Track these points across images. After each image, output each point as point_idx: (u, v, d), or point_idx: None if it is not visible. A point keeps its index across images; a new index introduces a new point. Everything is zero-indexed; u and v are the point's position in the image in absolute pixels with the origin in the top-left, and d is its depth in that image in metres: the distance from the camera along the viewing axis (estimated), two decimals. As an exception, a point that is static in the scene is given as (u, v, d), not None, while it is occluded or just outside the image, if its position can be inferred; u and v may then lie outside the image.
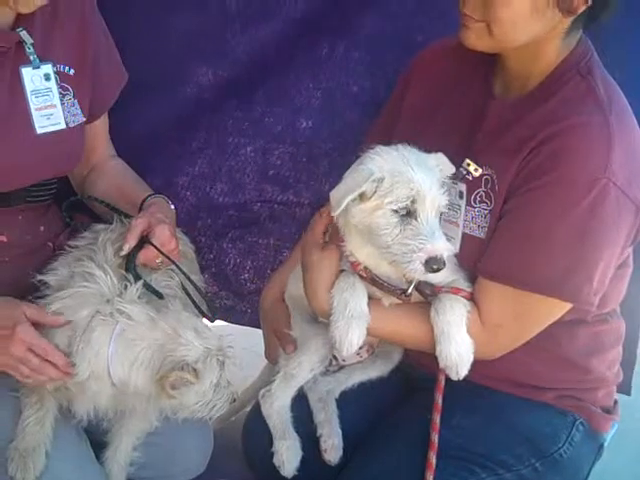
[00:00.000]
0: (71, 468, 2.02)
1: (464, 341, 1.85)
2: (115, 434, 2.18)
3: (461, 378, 1.85)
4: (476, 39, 1.89)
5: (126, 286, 1.96)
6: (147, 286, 2.01)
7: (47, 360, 1.90)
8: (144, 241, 2.06)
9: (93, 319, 1.91)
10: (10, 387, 2.01)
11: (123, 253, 2.03)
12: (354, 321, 1.85)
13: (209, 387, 1.90)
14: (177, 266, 2.12)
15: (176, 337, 1.88)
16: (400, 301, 1.91)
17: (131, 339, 1.88)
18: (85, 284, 1.95)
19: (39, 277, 2.04)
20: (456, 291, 1.87)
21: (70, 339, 1.92)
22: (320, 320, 2.06)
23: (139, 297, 1.96)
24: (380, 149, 1.85)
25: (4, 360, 1.91)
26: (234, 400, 2.00)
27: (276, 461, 2.17)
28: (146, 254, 2.06)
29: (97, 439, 2.17)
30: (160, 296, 2.02)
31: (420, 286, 1.87)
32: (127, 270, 2.02)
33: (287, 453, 2.17)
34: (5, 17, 2.03)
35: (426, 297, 1.88)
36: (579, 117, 1.83)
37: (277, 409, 2.18)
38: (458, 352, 1.84)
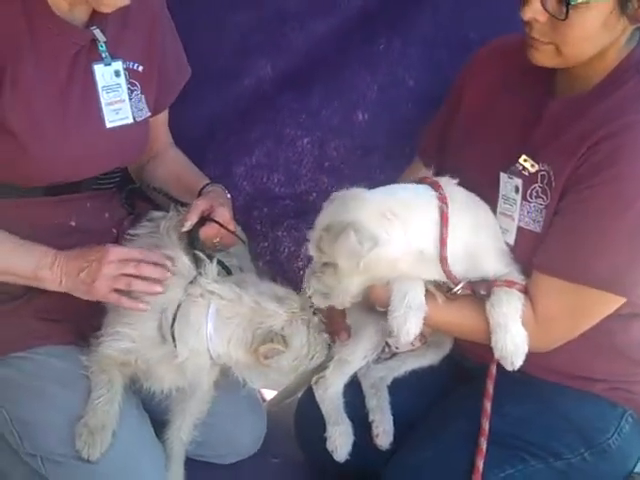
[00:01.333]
0: (134, 445, 2.08)
1: (519, 332, 1.88)
2: (177, 413, 2.25)
3: (516, 369, 1.88)
4: (545, 59, 1.92)
5: (202, 265, 2.04)
6: (218, 261, 2.09)
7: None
8: (205, 219, 2.13)
9: (185, 301, 2.00)
10: (80, 366, 2.09)
11: (185, 229, 2.10)
12: (412, 311, 1.88)
13: (300, 347, 1.98)
14: (240, 239, 2.21)
15: (260, 309, 1.97)
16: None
17: (226, 317, 1.99)
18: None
19: None
20: (510, 284, 1.90)
21: (160, 322, 2.02)
22: (374, 308, 2.10)
23: (218, 273, 2.05)
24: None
25: (103, 285, 1.99)
26: (329, 347, 2.07)
27: (329, 446, 2.23)
28: (207, 231, 2.13)
29: (155, 418, 2.24)
30: (229, 272, 2.10)
31: (475, 286, 1.92)
32: (192, 248, 2.09)
33: (340, 438, 2.23)
34: (81, 15, 2.11)
35: (481, 296, 1.92)
36: (637, 115, 1.85)
37: (330, 395, 2.23)
38: (513, 343, 1.87)
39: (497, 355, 1.90)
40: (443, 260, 1.89)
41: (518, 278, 1.93)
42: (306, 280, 1.97)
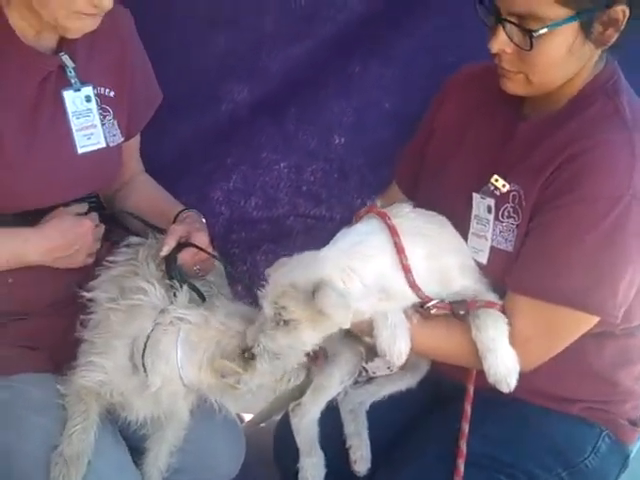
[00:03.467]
0: (111, 472, 2.06)
1: (509, 354, 1.88)
2: (154, 441, 2.23)
3: (512, 390, 1.88)
4: (517, 88, 1.95)
5: (175, 294, 2.04)
6: (192, 287, 2.09)
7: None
8: (182, 245, 2.14)
9: (154, 331, 2.00)
10: (56, 394, 2.07)
11: (163, 254, 2.11)
12: (398, 329, 1.89)
13: (269, 367, 1.94)
14: (218, 259, 2.22)
15: (227, 330, 1.96)
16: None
17: (195, 342, 1.98)
18: (136, 296, 2.04)
19: (88, 295, 2.13)
20: (491, 305, 1.91)
21: (132, 353, 2.02)
22: (349, 333, 2.08)
23: (188, 300, 2.05)
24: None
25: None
26: (308, 371, 2.06)
27: (301, 477, 2.22)
28: (185, 255, 2.13)
29: (133, 445, 2.22)
30: (203, 298, 2.10)
31: (454, 307, 1.93)
32: (169, 273, 2.10)
33: (312, 470, 2.22)
34: (49, 41, 2.11)
35: (460, 317, 1.93)
36: (603, 135, 1.87)
37: (306, 424, 2.22)
38: (506, 366, 1.87)
39: (491, 380, 1.89)
40: (413, 286, 1.90)
41: (491, 297, 1.94)
42: (252, 339, 1.90)
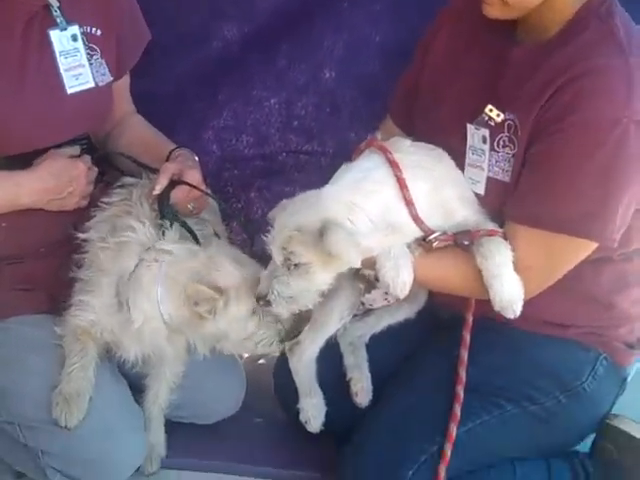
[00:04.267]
0: (112, 410, 2.10)
1: (515, 279, 1.88)
2: (153, 379, 2.26)
3: (517, 316, 1.89)
4: (495, 11, 1.93)
5: (164, 232, 2.04)
6: (185, 226, 2.09)
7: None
8: (175, 183, 2.13)
9: (138, 267, 1.99)
10: (53, 336, 2.09)
11: (155, 192, 2.10)
12: (400, 260, 1.88)
13: (246, 316, 1.95)
14: (212, 196, 2.22)
15: (211, 264, 1.94)
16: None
17: (174, 275, 1.96)
18: (125, 234, 2.03)
19: (82, 236, 2.13)
20: (493, 233, 1.91)
21: (118, 288, 2.02)
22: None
23: (178, 239, 2.03)
24: None
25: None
26: (283, 339, 2.03)
27: (302, 417, 2.25)
28: (178, 193, 2.12)
29: (133, 383, 2.25)
30: (196, 239, 2.09)
31: (457, 237, 1.92)
32: (161, 212, 2.09)
33: (313, 410, 2.25)
34: None
35: (464, 247, 1.92)
36: (599, 59, 1.85)
37: (305, 362, 2.23)
38: (511, 291, 1.88)
39: (497, 307, 1.89)
40: (416, 219, 1.90)
41: (491, 226, 1.94)
42: (264, 287, 1.89)
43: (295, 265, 1.85)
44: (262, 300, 1.89)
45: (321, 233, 1.79)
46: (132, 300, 1.98)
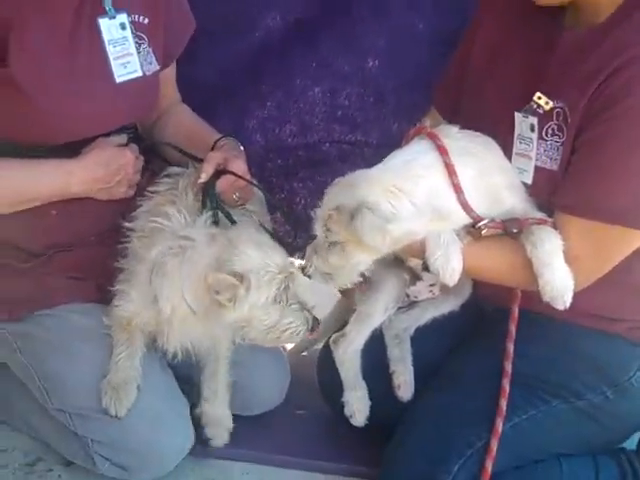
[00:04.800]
0: (160, 399, 2.12)
1: (565, 269, 1.86)
2: (208, 360, 2.25)
3: (567, 307, 1.86)
4: None
5: (195, 220, 2.02)
6: (227, 215, 2.08)
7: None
8: (221, 172, 2.13)
9: (165, 254, 1.97)
10: (102, 325, 2.11)
11: (201, 181, 2.10)
12: (451, 247, 1.87)
13: (267, 304, 1.89)
14: (256, 186, 2.21)
15: (232, 248, 1.89)
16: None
17: (194, 260, 1.92)
18: (157, 219, 2.03)
19: (128, 225, 2.13)
20: (543, 222, 1.88)
21: (150, 279, 2.00)
22: (393, 260, 2.11)
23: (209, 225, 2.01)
24: None
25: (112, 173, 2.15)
26: (313, 327, 1.98)
27: (347, 411, 2.25)
28: (223, 183, 2.13)
29: (179, 373, 2.26)
30: (232, 221, 2.08)
31: (506, 224, 1.89)
32: (204, 202, 2.08)
33: (357, 404, 2.24)
34: None
35: (513, 234, 1.90)
36: None
37: (350, 355, 2.22)
38: (562, 281, 1.85)
39: (547, 297, 1.86)
40: (465, 206, 1.88)
41: (544, 216, 1.91)
42: (307, 259, 1.92)
43: (332, 243, 1.86)
44: (304, 272, 1.92)
45: (352, 215, 1.80)
46: (159, 289, 1.96)
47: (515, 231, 1.89)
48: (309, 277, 1.91)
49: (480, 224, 1.89)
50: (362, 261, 1.89)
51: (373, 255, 1.89)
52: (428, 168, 1.88)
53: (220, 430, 2.28)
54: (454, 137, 1.94)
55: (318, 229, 1.89)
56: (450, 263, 1.86)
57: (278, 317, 1.94)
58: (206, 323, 1.99)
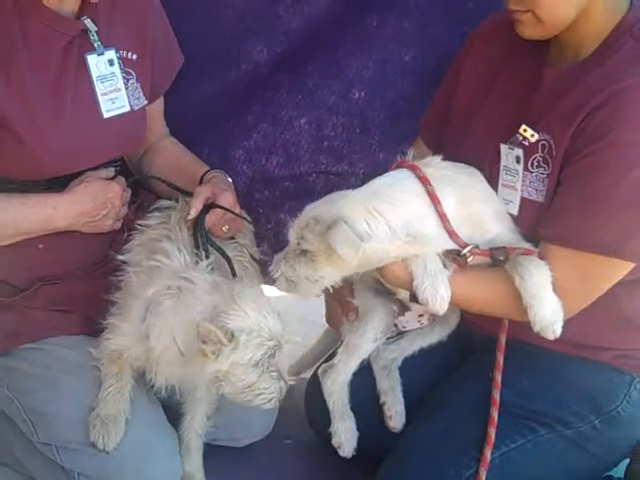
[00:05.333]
0: (148, 431, 2.10)
1: (554, 300, 1.88)
2: (189, 406, 2.25)
3: (557, 337, 1.88)
4: (529, 30, 1.95)
5: (197, 262, 2.02)
6: (221, 252, 2.08)
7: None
8: (209, 207, 2.14)
9: (162, 294, 1.96)
10: (89, 358, 2.10)
11: (190, 217, 2.11)
12: (438, 277, 1.88)
13: (248, 365, 1.88)
14: (244, 218, 2.21)
15: (232, 303, 1.88)
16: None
17: (189, 304, 1.91)
18: (158, 258, 2.03)
19: (121, 258, 2.13)
20: (530, 252, 1.90)
21: (144, 312, 1.99)
22: (381, 290, 2.13)
23: (210, 271, 2.01)
24: None
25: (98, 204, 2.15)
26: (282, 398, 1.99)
27: (335, 442, 2.24)
28: (212, 217, 2.13)
29: (166, 405, 2.24)
30: (231, 265, 2.09)
31: (493, 252, 1.91)
32: (195, 237, 2.08)
33: (345, 434, 2.24)
34: (70, 6, 2.11)
35: (499, 262, 1.92)
36: (632, 79, 1.85)
37: (339, 386, 2.22)
38: (552, 311, 1.87)
39: (537, 328, 1.88)
40: (452, 234, 1.90)
41: (531, 246, 1.93)
42: (275, 264, 1.94)
43: (303, 251, 1.89)
44: (269, 278, 1.95)
45: (329, 226, 1.83)
46: (152, 328, 1.96)
47: (502, 259, 1.91)
48: (273, 282, 1.93)
49: (465, 250, 1.91)
50: (328, 275, 1.91)
51: (340, 271, 1.91)
52: (408, 193, 1.91)
53: None
54: (436, 166, 1.98)
55: (292, 236, 1.91)
56: (439, 292, 1.88)
57: (255, 380, 1.93)
58: (190, 367, 1.98)
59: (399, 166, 2.00)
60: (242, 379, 1.92)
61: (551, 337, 1.88)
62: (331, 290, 1.98)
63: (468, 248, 1.91)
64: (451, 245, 1.91)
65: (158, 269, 2.03)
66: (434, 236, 1.90)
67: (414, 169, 1.95)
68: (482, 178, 2.02)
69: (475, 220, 1.94)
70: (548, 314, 1.87)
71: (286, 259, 1.92)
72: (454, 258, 1.93)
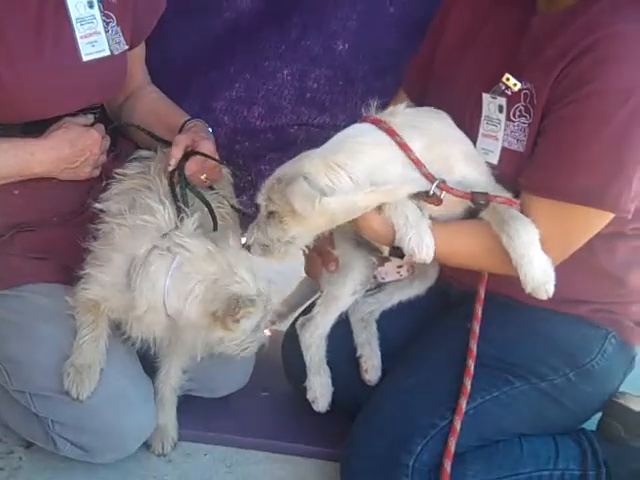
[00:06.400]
0: (123, 380, 2.10)
1: (544, 258, 1.86)
2: (164, 359, 2.25)
3: (550, 296, 1.87)
4: None
5: (182, 219, 2.01)
6: (201, 198, 2.07)
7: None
8: (189, 154, 2.12)
9: (150, 254, 1.96)
10: (65, 306, 2.08)
11: (170, 168, 2.09)
12: (421, 225, 1.88)
13: (247, 329, 1.94)
14: (225, 165, 2.20)
15: (231, 273, 1.91)
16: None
17: (187, 272, 1.92)
18: (144, 217, 2.01)
19: (99, 206, 2.11)
20: (511, 202, 1.89)
21: (129, 271, 1.98)
22: (362, 242, 2.11)
23: (195, 228, 2.00)
24: None
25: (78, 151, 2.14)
26: (263, 346, 2.05)
27: (309, 396, 2.25)
28: (192, 165, 2.11)
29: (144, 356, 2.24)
30: (213, 214, 2.08)
31: (474, 196, 1.89)
32: (173, 185, 2.07)
33: (320, 389, 2.24)
34: None
35: (479, 206, 1.91)
36: (615, 26, 1.83)
37: (317, 338, 2.22)
38: (543, 271, 1.86)
39: (529, 288, 1.86)
40: (417, 163, 1.88)
41: (510, 196, 1.92)
42: (249, 231, 1.94)
43: (271, 213, 1.88)
44: (244, 244, 1.95)
45: (288, 184, 1.83)
46: (138, 286, 1.95)
47: (482, 203, 1.90)
48: (248, 248, 1.93)
49: (433, 186, 1.88)
50: (299, 235, 1.91)
51: (309, 229, 1.91)
52: (366, 145, 1.89)
53: (162, 440, 2.27)
54: (400, 113, 1.96)
55: (260, 199, 1.91)
56: (424, 241, 1.88)
57: (245, 337, 1.97)
58: (175, 328, 2.01)
59: (363, 121, 1.98)
60: (235, 340, 1.95)
61: (544, 297, 1.87)
62: (306, 251, 1.99)
63: (436, 182, 1.88)
64: (418, 186, 1.89)
65: (143, 228, 2.01)
66: (399, 180, 1.89)
67: (377, 123, 1.94)
68: (450, 121, 2.00)
69: (442, 161, 1.92)
70: (539, 274, 1.85)
71: (257, 224, 1.92)
72: (427, 199, 1.90)
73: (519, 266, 1.86)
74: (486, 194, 1.90)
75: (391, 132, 1.90)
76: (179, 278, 1.93)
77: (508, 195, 1.93)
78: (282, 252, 1.93)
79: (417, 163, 1.88)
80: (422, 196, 1.90)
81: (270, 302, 1.98)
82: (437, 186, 1.88)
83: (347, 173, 1.84)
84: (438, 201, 1.90)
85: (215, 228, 2.09)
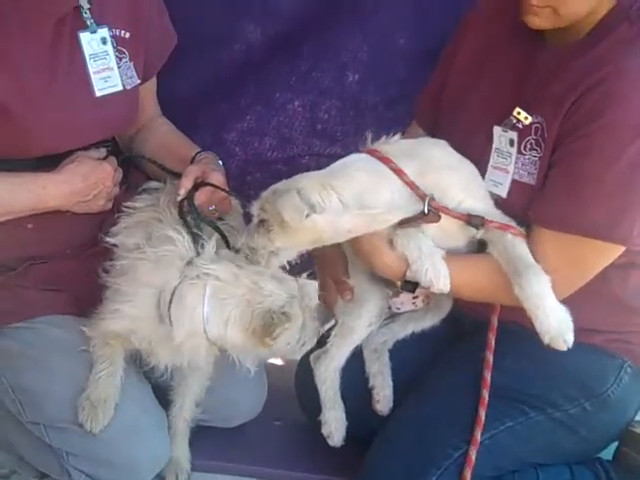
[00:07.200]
0: (137, 411, 2.10)
1: (559, 307, 1.86)
2: (179, 392, 2.26)
3: (570, 346, 1.85)
4: (544, 22, 1.91)
5: (202, 244, 2.01)
6: (214, 226, 2.09)
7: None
8: (199, 185, 2.13)
9: (181, 285, 1.96)
10: (80, 336, 2.08)
11: (180, 198, 2.10)
12: (435, 256, 1.90)
13: (296, 330, 1.96)
14: (235, 196, 2.21)
15: (258, 289, 1.93)
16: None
17: (222, 298, 1.94)
18: (166, 248, 2.01)
19: (111, 241, 2.12)
20: (506, 227, 1.90)
21: (158, 302, 1.99)
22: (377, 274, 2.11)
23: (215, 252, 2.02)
24: None
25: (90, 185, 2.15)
26: (320, 334, 2.07)
27: (324, 430, 2.24)
28: (201, 195, 2.12)
29: (158, 390, 2.24)
30: (227, 242, 2.08)
31: (471, 218, 1.91)
32: (183, 216, 2.07)
33: (335, 424, 2.23)
34: None
35: (476, 227, 1.92)
36: (625, 62, 1.85)
37: (332, 372, 2.21)
38: (559, 321, 1.85)
39: (547, 339, 1.85)
40: (410, 186, 1.91)
41: (511, 221, 1.93)
42: (240, 235, 2.00)
43: (261, 221, 1.91)
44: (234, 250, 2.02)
45: (281, 195, 1.86)
46: (175, 317, 1.97)
47: (478, 224, 1.91)
48: (237, 251, 1.99)
49: (425, 202, 1.89)
50: (284, 247, 1.93)
51: (294, 243, 1.93)
52: (360, 172, 1.92)
53: (175, 473, 2.27)
54: (394, 144, 2.00)
55: (254, 208, 1.94)
56: (441, 272, 1.90)
57: (299, 335, 1.99)
58: (213, 349, 2.04)
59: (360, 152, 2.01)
60: (291, 343, 1.98)
61: (563, 347, 1.85)
62: (287, 267, 2.00)
63: (427, 198, 1.90)
64: (407, 212, 1.91)
65: (165, 257, 2.02)
66: (387, 206, 1.91)
67: (372, 153, 1.96)
68: (450, 149, 2.02)
69: (435, 187, 1.93)
70: (555, 324, 1.84)
71: (249, 230, 1.97)
72: (425, 219, 1.91)
73: (534, 316, 1.86)
74: (482, 217, 1.91)
75: (385, 160, 1.93)
76: (216, 305, 1.95)
77: (506, 220, 1.93)
78: (266, 261, 1.95)
79: (410, 185, 1.91)
80: (420, 218, 1.92)
81: (306, 297, 1.99)
82: (428, 203, 1.90)
83: (337, 195, 1.88)
84: (436, 218, 1.91)
85: (228, 245, 2.10)
